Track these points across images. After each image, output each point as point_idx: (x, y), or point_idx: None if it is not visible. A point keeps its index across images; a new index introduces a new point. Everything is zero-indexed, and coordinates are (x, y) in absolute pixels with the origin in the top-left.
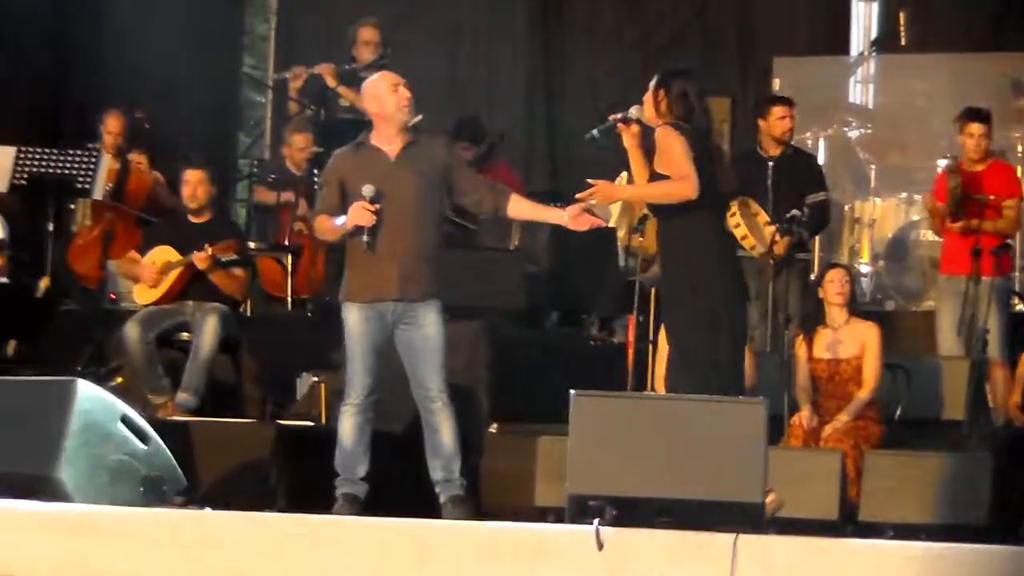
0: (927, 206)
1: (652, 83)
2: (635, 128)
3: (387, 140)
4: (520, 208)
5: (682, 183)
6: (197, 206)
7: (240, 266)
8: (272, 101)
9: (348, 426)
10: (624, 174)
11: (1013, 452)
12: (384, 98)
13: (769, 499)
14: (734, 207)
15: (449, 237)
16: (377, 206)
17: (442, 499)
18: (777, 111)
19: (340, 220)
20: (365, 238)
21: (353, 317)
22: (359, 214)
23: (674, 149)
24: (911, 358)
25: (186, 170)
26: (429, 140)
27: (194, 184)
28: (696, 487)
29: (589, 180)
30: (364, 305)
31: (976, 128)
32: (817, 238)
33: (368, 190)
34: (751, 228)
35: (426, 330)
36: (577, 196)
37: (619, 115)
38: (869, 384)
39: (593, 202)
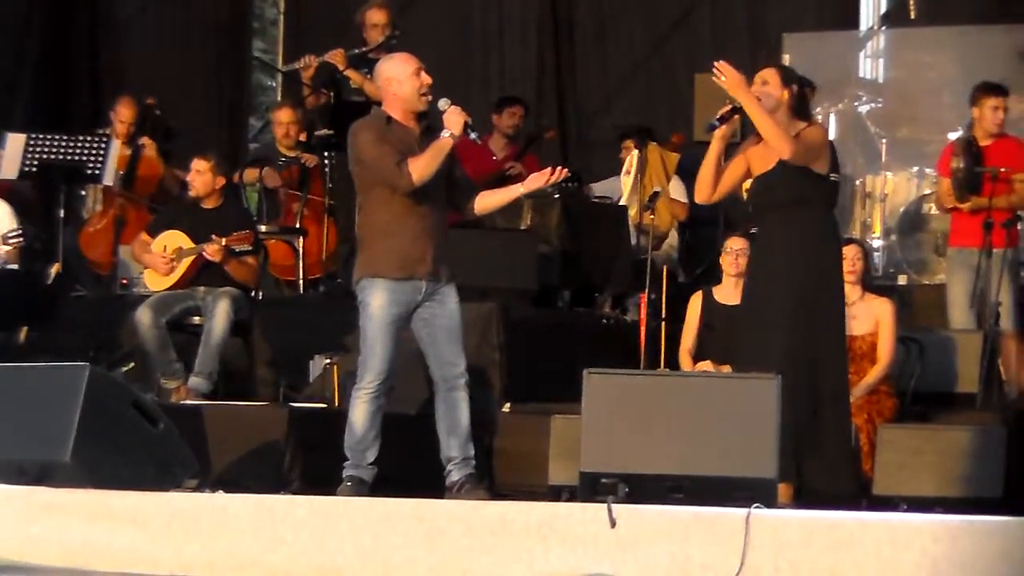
0: (935, 188)
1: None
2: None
3: (405, 120)
4: (485, 202)
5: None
6: (199, 195)
7: (252, 255)
8: (282, 85)
9: (361, 412)
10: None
11: None
12: (405, 82)
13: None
14: None
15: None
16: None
17: (456, 477)
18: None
19: (444, 134)
20: (473, 134)
21: (378, 299)
22: (458, 116)
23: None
24: (924, 332)
25: (194, 159)
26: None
27: (199, 172)
28: (708, 464)
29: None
30: (395, 283)
31: (995, 102)
32: None
33: (445, 102)
34: None
35: (451, 308)
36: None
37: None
38: (883, 360)
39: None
